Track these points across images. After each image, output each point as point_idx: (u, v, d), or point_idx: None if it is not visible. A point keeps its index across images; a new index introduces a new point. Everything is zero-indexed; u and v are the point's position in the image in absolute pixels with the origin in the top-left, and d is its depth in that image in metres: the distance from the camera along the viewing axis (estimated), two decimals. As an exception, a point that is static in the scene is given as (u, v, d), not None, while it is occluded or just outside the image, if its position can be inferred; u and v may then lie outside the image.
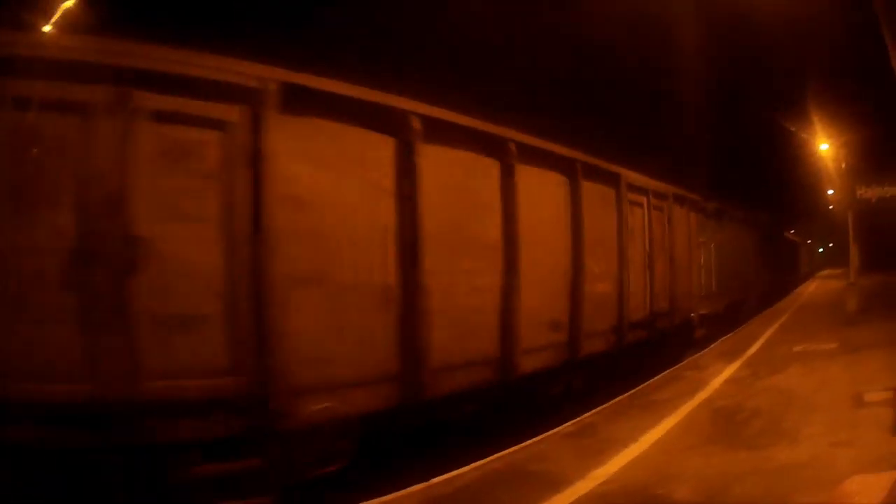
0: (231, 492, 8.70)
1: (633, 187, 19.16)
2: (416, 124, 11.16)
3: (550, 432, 12.46)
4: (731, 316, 29.45)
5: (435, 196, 11.40)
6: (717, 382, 16.24)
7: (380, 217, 10.75)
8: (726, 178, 36.75)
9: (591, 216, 15.97)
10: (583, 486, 9.40)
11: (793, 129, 41.55)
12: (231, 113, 9.06)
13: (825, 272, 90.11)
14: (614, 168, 18.07)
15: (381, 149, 10.83)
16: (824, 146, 42.73)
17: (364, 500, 9.17)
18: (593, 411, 13.95)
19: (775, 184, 51.54)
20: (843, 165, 42.54)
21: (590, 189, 16.17)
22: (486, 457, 10.99)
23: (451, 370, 11.65)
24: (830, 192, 55.74)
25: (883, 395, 12.04)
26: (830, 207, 63.22)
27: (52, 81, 8.09)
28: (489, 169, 12.95)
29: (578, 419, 13.35)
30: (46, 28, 14.92)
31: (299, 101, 9.52)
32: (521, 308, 13.08)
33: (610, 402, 14.70)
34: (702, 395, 14.88)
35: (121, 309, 8.16)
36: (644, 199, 20.16)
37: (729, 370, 17.77)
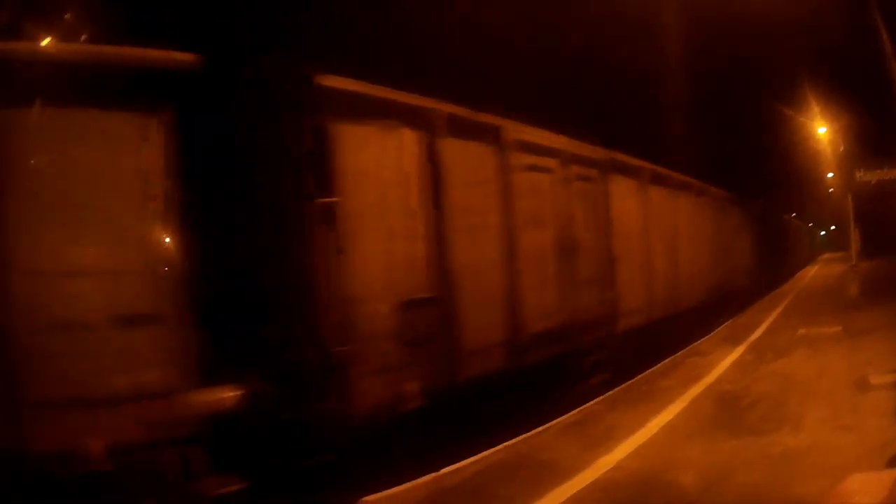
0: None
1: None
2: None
3: (555, 421, 12.52)
4: (725, 303, 29.23)
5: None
6: (721, 368, 16.32)
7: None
8: (725, 163, 36.73)
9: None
10: (590, 475, 9.46)
11: (791, 112, 41.58)
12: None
13: (827, 256, 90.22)
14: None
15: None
16: (822, 129, 42.78)
17: (371, 493, 9.20)
18: (597, 399, 14.05)
19: (775, 168, 51.53)
20: (842, 149, 42.59)
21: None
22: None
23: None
24: (830, 175, 55.80)
25: (887, 378, 12.10)
26: (830, 191, 63.28)
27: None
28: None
29: (582, 408, 13.44)
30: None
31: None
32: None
33: (613, 391, 14.82)
34: (706, 381, 14.96)
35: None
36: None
37: (733, 355, 17.84)
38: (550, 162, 15.87)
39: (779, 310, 28.44)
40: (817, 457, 8.82)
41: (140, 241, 9.24)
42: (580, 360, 16.16)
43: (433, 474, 9.85)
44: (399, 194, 11.71)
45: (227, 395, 9.33)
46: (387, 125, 11.46)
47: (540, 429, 12.08)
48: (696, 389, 14.27)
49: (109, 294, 8.96)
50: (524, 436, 11.67)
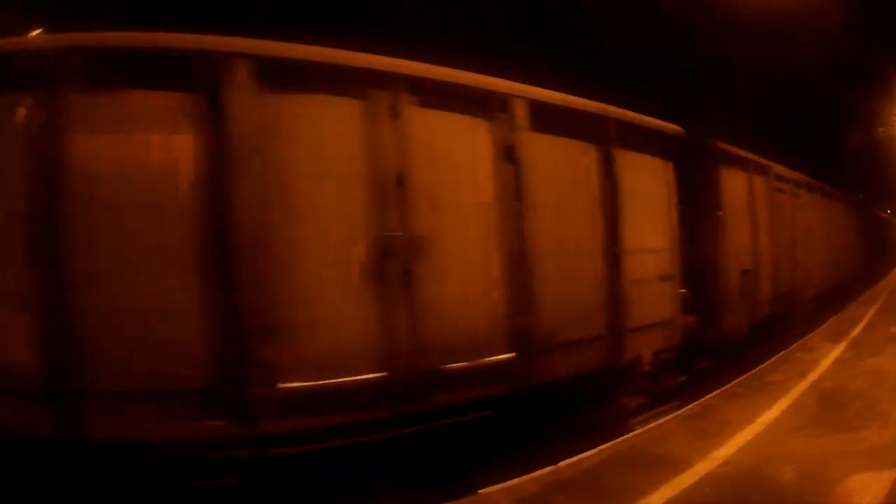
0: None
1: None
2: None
3: (673, 415, 13.14)
4: (831, 298, 29.65)
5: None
6: (824, 364, 16.94)
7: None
8: (821, 156, 36.58)
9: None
10: (702, 468, 10.02)
11: (889, 105, 41.26)
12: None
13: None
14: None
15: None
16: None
17: (492, 485, 9.59)
18: (713, 393, 14.52)
19: (870, 162, 50.90)
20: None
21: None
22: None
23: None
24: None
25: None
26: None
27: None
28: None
29: (699, 401, 13.94)
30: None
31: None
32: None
33: (729, 385, 15.30)
34: (811, 377, 15.54)
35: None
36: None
37: (835, 352, 18.53)
38: (785, 186, 23.86)
39: (876, 306, 28.66)
40: None
41: (668, 232, 15.28)
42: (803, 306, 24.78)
43: (551, 467, 10.23)
44: (743, 207, 19.54)
45: (690, 321, 15.95)
46: (733, 168, 19.04)
47: (659, 421, 12.80)
48: (802, 384, 14.91)
49: (656, 263, 14.66)
50: (643, 428, 12.36)
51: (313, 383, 9.23)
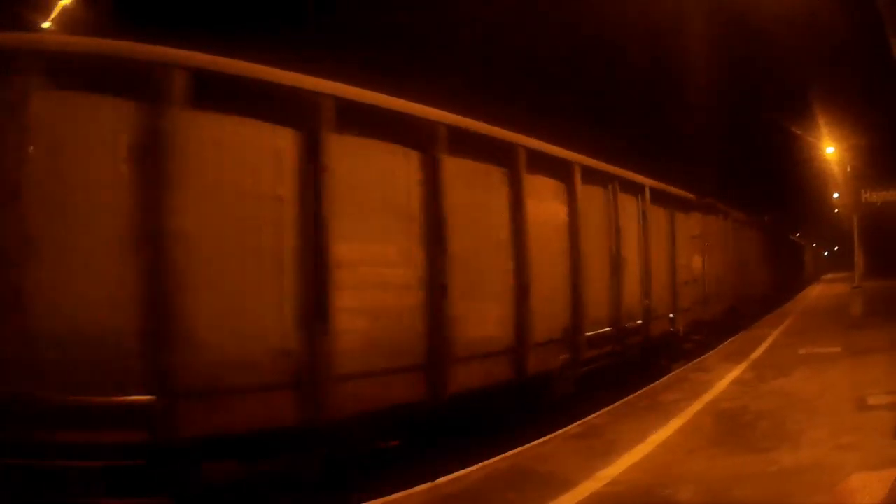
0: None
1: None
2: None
3: (556, 433, 12.49)
4: (732, 320, 29.47)
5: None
6: (722, 385, 16.28)
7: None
8: (733, 180, 36.88)
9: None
10: (589, 487, 9.43)
11: (799, 132, 41.67)
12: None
13: (830, 275, 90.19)
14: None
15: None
16: (830, 150, 42.81)
17: (367, 501, 9.17)
18: (600, 412, 14.01)
19: (781, 186, 51.63)
20: (849, 169, 42.64)
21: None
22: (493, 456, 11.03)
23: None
24: (836, 195, 55.86)
25: (886, 398, 12.15)
26: (836, 211, 63.33)
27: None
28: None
29: (585, 420, 13.41)
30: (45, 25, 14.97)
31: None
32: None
33: (617, 403, 14.77)
34: (706, 398, 14.91)
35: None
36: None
37: (734, 372, 17.82)
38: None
39: (781, 328, 28.48)
40: (816, 475, 8.75)
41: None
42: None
43: (429, 483, 9.81)
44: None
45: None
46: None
47: (542, 439, 12.07)
48: (698, 404, 14.28)
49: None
50: (525, 446, 11.62)
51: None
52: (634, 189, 18.89)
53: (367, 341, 10.11)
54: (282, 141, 9.45)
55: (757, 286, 37.53)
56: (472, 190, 12.25)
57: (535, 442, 11.89)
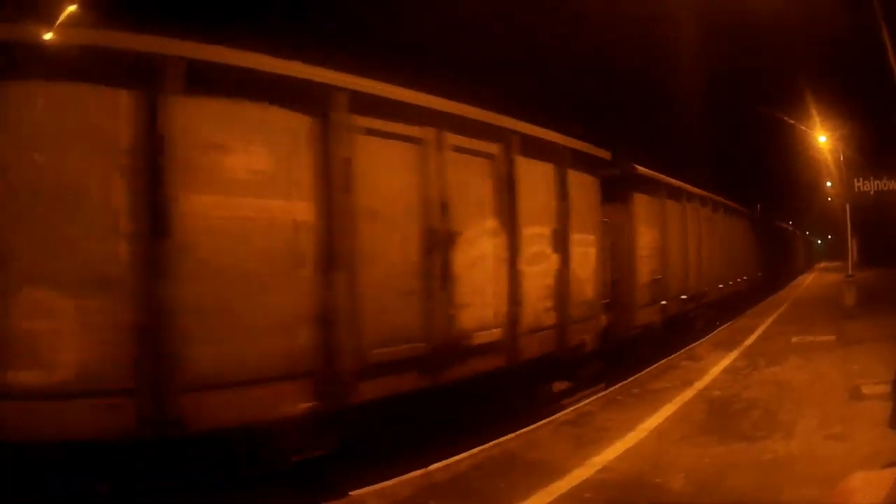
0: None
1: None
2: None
3: (547, 420, 12.50)
4: (721, 308, 29.59)
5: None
6: (713, 372, 16.34)
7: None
8: (725, 169, 36.95)
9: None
10: (580, 474, 9.47)
11: (791, 120, 41.69)
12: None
13: (823, 264, 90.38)
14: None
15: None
16: (822, 138, 42.79)
17: (361, 487, 9.19)
18: (589, 399, 14.10)
19: (774, 175, 51.68)
20: (842, 158, 42.62)
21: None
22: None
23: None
24: (829, 184, 55.81)
25: (879, 388, 12.10)
26: (829, 200, 63.28)
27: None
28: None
29: (575, 407, 13.49)
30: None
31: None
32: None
33: (606, 391, 14.85)
34: (698, 385, 14.97)
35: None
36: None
37: (725, 360, 17.91)
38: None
39: (773, 316, 28.56)
40: (807, 465, 8.79)
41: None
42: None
43: (422, 469, 9.79)
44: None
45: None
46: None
47: (533, 426, 12.04)
48: (689, 392, 14.31)
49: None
50: (516, 433, 11.57)
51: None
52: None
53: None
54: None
55: (746, 275, 37.53)
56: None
57: (526, 429, 11.86)
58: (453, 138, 12.12)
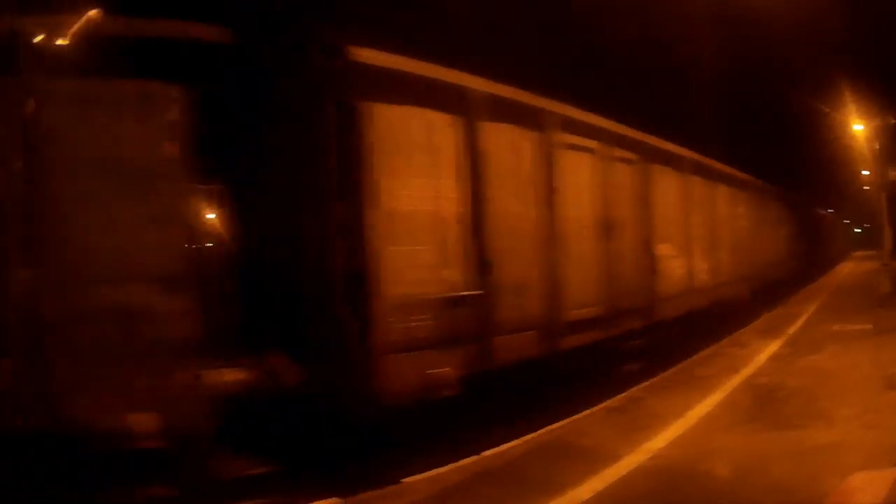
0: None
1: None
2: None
3: (597, 407, 12.79)
4: (765, 296, 29.96)
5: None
6: (759, 360, 16.65)
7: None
8: (765, 157, 36.86)
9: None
10: (632, 461, 9.65)
11: (829, 108, 41.55)
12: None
13: (860, 253, 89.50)
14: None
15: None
16: (859, 126, 42.59)
17: (415, 474, 9.43)
18: (639, 386, 14.40)
19: (812, 163, 51.43)
20: (877, 147, 42.47)
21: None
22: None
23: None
24: (865, 172, 55.49)
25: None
26: (866, 188, 62.87)
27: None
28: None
29: (625, 394, 13.75)
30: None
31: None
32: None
33: (656, 378, 15.20)
34: (745, 372, 15.25)
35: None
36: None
37: (771, 348, 18.22)
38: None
39: (815, 304, 28.77)
40: (846, 454, 8.98)
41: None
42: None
43: (475, 456, 10.04)
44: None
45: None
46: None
47: (584, 413, 12.38)
48: (736, 379, 14.61)
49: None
50: (567, 419, 11.94)
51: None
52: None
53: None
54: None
55: (790, 261, 37.59)
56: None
57: (576, 415, 12.20)
58: (617, 151, 16.67)
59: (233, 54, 10.11)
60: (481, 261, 12.26)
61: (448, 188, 11.95)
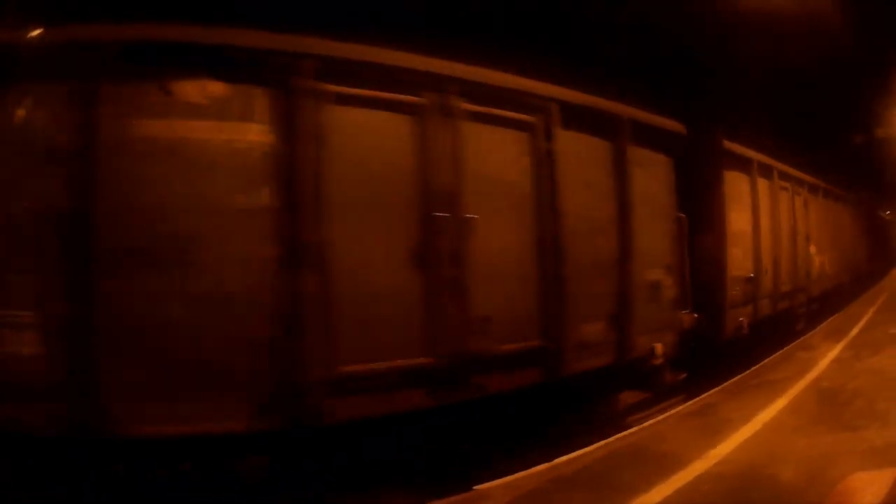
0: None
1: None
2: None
3: (672, 412, 13.24)
4: (834, 298, 30.42)
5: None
6: (823, 363, 16.96)
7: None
8: (821, 154, 36.70)
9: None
10: (700, 466, 9.92)
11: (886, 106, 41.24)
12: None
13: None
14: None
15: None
16: (920, 124, 42.14)
17: (487, 481, 9.48)
18: (713, 391, 14.69)
19: (869, 162, 50.96)
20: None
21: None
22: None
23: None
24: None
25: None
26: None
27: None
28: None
29: (699, 398, 14.13)
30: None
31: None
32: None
33: (728, 382, 15.46)
34: (810, 376, 15.55)
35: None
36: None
37: (834, 351, 18.58)
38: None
39: (875, 307, 29.11)
40: None
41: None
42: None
43: (548, 463, 10.15)
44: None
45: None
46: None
47: (658, 419, 12.89)
48: (802, 383, 14.94)
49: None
50: (641, 426, 12.41)
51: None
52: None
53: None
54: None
55: (838, 270, 37.70)
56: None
57: (652, 420, 12.73)
58: (796, 187, 24.33)
59: (687, 138, 16.25)
60: (756, 257, 20.58)
61: (745, 219, 20.18)
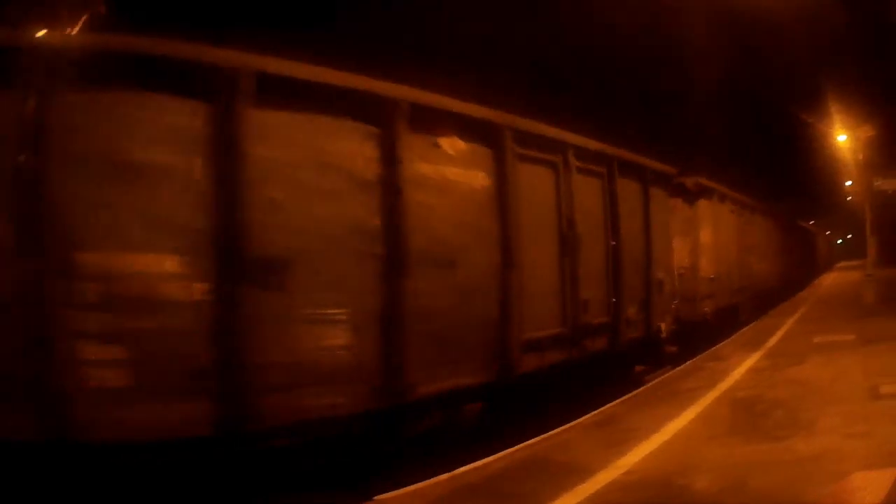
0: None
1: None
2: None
3: (574, 422, 12.69)
4: (746, 310, 30.65)
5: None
6: (737, 373, 16.48)
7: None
8: (746, 169, 37.09)
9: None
10: (606, 476, 9.49)
11: (811, 120, 41.59)
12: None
13: (843, 263, 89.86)
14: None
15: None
16: (842, 137, 42.57)
17: (388, 491, 9.30)
18: (616, 401, 14.29)
19: (794, 174, 51.55)
20: (861, 157, 42.51)
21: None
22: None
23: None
24: (848, 183, 55.59)
25: (896, 387, 12.31)
26: (849, 199, 63.02)
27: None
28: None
29: (601, 409, 13.65)
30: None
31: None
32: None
33: (633, 392, 15.18)
34: (723, 386, 15.10)
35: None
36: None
37: (749, 361, 18.05)
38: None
39: (796, 316, 28.77)
40: (829, 463, 8.76)
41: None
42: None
43: (451, 473, 9.93)
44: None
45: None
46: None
47: (560, 428, 12.31)
48: (714, 392, 14.45)
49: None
50: (543, 435, 11.82)
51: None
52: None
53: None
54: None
55: (767, 276, 37.93)
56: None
57: (553, 431, 12.11)
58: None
59: (671, 177, 20.81)
60: (717, 263, 25.32)
61: (708, 234, 24.90)
